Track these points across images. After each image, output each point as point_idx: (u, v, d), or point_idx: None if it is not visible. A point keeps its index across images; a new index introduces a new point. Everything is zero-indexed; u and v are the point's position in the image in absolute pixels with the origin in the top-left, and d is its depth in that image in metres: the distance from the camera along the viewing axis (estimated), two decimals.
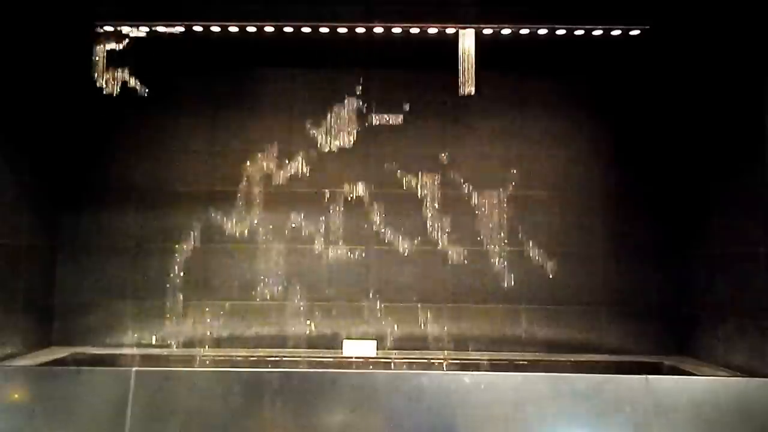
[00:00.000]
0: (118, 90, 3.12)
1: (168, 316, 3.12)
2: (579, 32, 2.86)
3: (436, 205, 3.17)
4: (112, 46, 2.93)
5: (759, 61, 2.51)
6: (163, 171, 3.19)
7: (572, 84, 3.21)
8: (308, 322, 3.12)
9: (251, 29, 2.87)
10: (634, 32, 2.87)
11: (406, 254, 3.15)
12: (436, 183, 3.18)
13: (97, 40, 2.91)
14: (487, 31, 2.85)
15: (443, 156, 3.18)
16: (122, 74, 3.01)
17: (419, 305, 3.13)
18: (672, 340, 3.07)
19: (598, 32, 2.86)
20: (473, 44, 2.83)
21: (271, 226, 3.17)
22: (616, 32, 2.87)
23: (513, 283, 3.13)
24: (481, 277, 3.14)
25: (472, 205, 3.17)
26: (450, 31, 2.84)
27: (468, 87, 2.81)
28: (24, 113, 2.85)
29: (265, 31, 2.88)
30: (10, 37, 2.71)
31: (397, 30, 2.84)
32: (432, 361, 2.94)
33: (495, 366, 2.87)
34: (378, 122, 3.21)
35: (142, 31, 2.88)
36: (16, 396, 2.36)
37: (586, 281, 3.13)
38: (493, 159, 3.20)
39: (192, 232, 3.15)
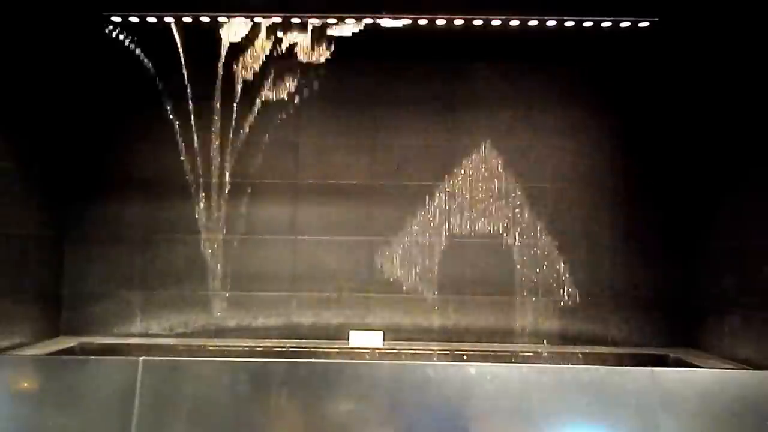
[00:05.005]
0: (125, 82, 3.13)
1: (175, 305, 3.14)
2: (587, 24, 2.85)
3: (444, 197, 3.17)
4: (119, 36, 2.93)
5: None
6: (170, 162, 3.19)
7: (581, 76, 3.20)
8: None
9: (258, 20, 2.87)
10: (643, 24, 2.86)
11: (415, 245, 3.17)
12: (443, 175, 3.18)
13: (105, 31, 2.91)
14: (496, 23, 2.84)
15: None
16: (129, 65, 3.01)
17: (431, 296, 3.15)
18: (678, 333, 3.07)
19: (606, 24, 2.85)
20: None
21: (269, 220, 3.19)
22: (624, 24, 2.86)
23: (520, 275, 3.13)
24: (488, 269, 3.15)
25: (479, 198, 3.17)
26: (458, 22, 2.84)
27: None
28: (32, 106, 2.85)
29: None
30: (18, 30, 2.71)
31: (406, 21, 2.83)
32: (440, 352, 2.95)
33: (501, 357, 2.88)
34: (382, 114, 3.21)
35: (149, 22, 2.87)
36: (25, 385, 2.38)
37: (593, 273, 3.13)
38: (501, 151, 3.19)
39: (197, 223, 3.17)
